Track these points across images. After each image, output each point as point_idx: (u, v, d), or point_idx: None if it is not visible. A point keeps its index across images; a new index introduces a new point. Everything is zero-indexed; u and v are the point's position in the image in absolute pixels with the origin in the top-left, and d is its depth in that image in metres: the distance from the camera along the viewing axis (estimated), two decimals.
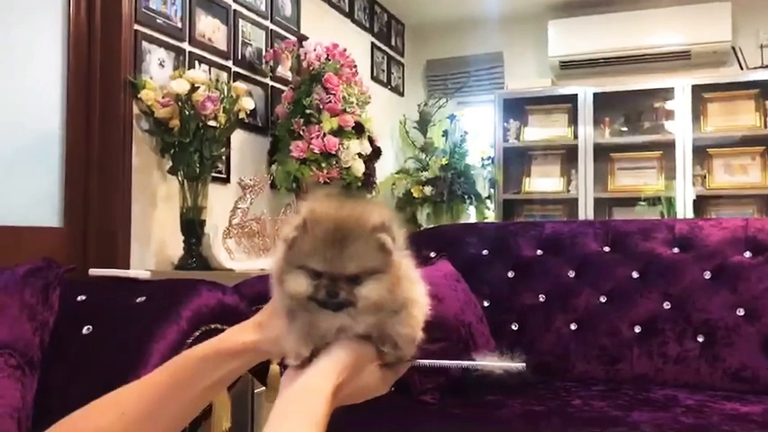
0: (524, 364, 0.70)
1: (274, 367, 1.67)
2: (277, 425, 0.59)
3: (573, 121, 4.37)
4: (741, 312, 1.97)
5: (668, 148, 4.13)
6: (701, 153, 4.12)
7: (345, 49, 3.03)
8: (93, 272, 1.86)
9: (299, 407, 0.60)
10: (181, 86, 2.27)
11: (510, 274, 2.26)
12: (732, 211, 4.04)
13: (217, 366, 0.70)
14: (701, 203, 4.06)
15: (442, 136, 4.38)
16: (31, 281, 1.25)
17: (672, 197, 4.00)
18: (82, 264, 2.16)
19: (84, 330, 1.37)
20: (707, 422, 1.59)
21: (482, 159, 4.42)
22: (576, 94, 4.27)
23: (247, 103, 2.48)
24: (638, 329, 2.07)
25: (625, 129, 4.37)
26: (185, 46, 2.61)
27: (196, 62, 2.66)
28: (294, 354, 0.63)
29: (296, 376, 0.63)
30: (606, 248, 2.21)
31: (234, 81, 2.77)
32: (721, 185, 4.10)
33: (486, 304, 2.23)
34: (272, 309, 0.70)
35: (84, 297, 1.45)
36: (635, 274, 2.13)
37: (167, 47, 2.52)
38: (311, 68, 2.94)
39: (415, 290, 0.68)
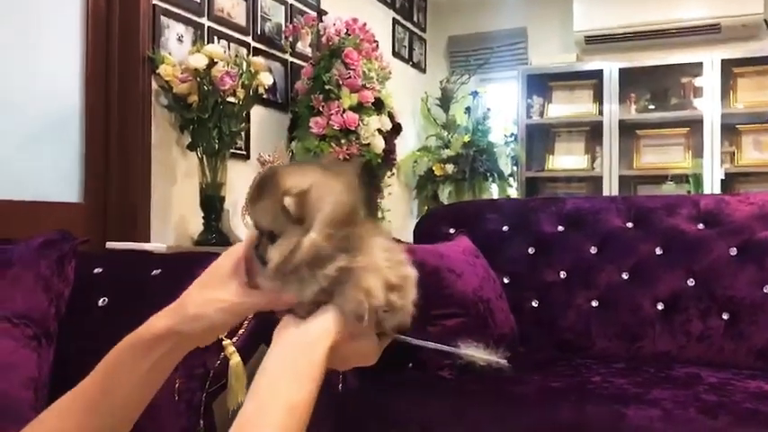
0: (506, 361, 0.67)
1: None
2: (269, 375, 0.58)
3: (598, 97, 4.29)
4: None
5: (696, 124, 4.04)
6: (730, 129, 4.03)
7: (365, 24, 3.00)
8: (110, 245, 1.87)
9: (293, 357, 0.58)
10: (199, 62, 2.26)
11: (530, 251, 2.23)
12: (762, 188, 3.95)
13: (141, 357, 0.67)
14: (729, 181, 3.97)
15: (465, 113, 4.32)
16: (45, 252, 1.25)
17: (699, 175, 3.92)
18: (102, 238, 2.17)
19: (100, 302, 1.37)
20: (729, 400, 1.55)
21: (505, 136, 4.36)
22: (602, 70, 4.19)
23: (266, 79, 2.46)
24: (660, 306, 2.03)
25: (651, 105, 4.28)
26: (204, 21, 2.60)
27: (215, 37, 2.64)
28: None
29: (293, 325, 0.61)
30: (629, 224, 2.17)
31: (253, 57, 2.75)
32: (751, 162, 4.01)
33: (506, 281, 2.20)
34: (199, 281, 0.67)
35: (100, 269, 1.45)
36: (658, 251, 2.09)
37: (186, 22, 2.51)
38: (331, 44, 2.91)
39: (364, 267, 0.63)
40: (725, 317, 1.95)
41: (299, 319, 0.62)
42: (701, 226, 2.09)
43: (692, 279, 2.02)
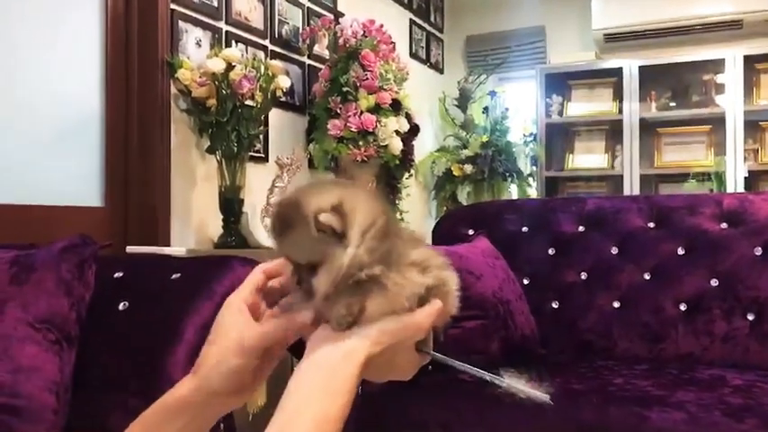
0: (549, 397, 0.64)
1: None
2: (300, 388, 0.56)
3: (618, 95, 4.25)
4: None
5: (718, 122, 3.99)
6: (753, 126, 3.97)
7: (382, 25, 2.99)
8: (131, 249, 1.88)
9: (326, 370, 0.57)
10: (217, 65, 2.27)
11: (551, 251, 2.21)
12: None
13: (167, 423, 0.63)
14: (752, 179, 3.91)
15: (483, 113, 4.30)
16: (66, 257, 1.26)
17: (722, 173, 3.87)
18: (123, 243, 2.19)
19: (121, 306, 1.38)
20: (756, 402, 1.53)
21: (524, 136, 4.33)
22: (621, 68, 4.15)
23: (283, 82, 2.47)
24: (683, 307, 2.00)
25: (672, 103, 4.23)
26: (222, 25, 2.61)
27: (233, 41, 2.65)
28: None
29: (328, 336, 0.59)
30: (651, 224, 2.15)
31: (271, 60, 2.76)
32: None
33: (526, 282, 2.19)
34: (207, 341, 0.64)
35: (120, 274, 1.46)
36: (680, 251, 2.06)
37: (204, 26, 2.53)
38: (348, 46, 2.91)
39: (403, 274, 0.61)
40: (750, 317, 1.92)
41: (334, 330, 0.59)
42: (724, 225, 2.06)
43: (715, 279, 1.99)
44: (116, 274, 1.46)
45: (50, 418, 1.18)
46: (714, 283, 1.99)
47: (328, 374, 0.56)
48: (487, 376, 0.66)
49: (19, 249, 1.31)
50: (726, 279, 1.98)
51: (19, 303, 1.19)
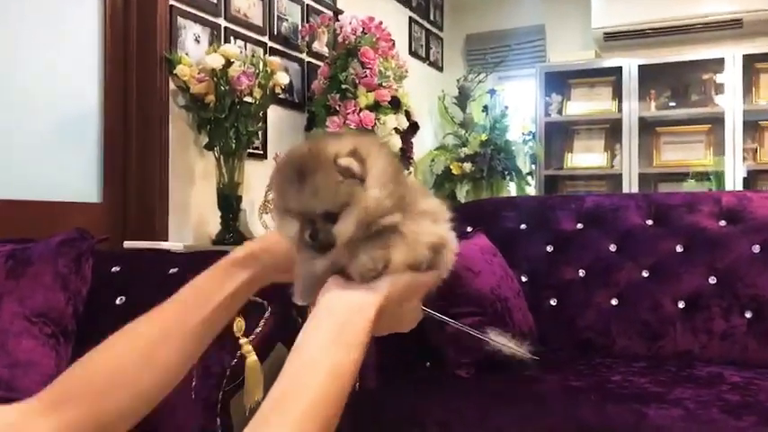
0: (531, 355, 0.67)
1: None
2: (313, 340, 0.56)
3: (617, 94, 4.25)
4: None
5: (717, 121, 3.99)
6: (752, 126, 3.97)
7: (381, 23, 2.99)
8: (128, 244, 1.88)
9: (338, 322, 0.57)
10: (215, 62, 2.27)
11: (549, 249, 2.21)
12: None
13: (227, 278, 0.70)
14: (751, 178, 3.91)
15: (482, 111, 4.30)
16: (63, 251, 1.26)
17: (721, 172, 3.87)
18: (121, 239, 2.19)
19: (118, 301, 1.38)
20: (754, 399, 1.53)
21: (523, 135, 4.32)
22: (621, 67, 4.15)
23: (282, 78, 2.46)
24: (681, 305, 2.00)
25: (672, 102, 4.23)
26: (221, 21, 2.61)
27: (232, 38, 2.65)
28: (302, 299, 0.63)
29: (341, 286, 0.60)
30: (649, 222, 2.14)
31: (270, 56, 2.75)
32: None
33: (524, 279, 2.18)
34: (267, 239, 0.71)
35: (118, 268, 1.46)
36: (679, 248, 2.06)
37: (203, 22, 2.52)
38: (347, 43, 2.91)
39: (419, 222, 0.63)
40: (748, 315, 1.92)
41: (347, 280, 0.60)
42: (722, 223, 2.06)
43: (713, 277, 1.99)
44: (113, 269, 1.46)
45: None
46: (713, 280, 1.99)
47: (341, 328, 0.56)
48: (475, 332, 0.69)
49: (16, 243, 1.31)
50: (724, 277, 1.98)
51: (15, 297, 1.19)
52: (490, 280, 1.90)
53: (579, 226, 2.22)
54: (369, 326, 0.57)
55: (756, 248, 1.97)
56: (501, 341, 0.69)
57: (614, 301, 2.08)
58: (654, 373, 1.78)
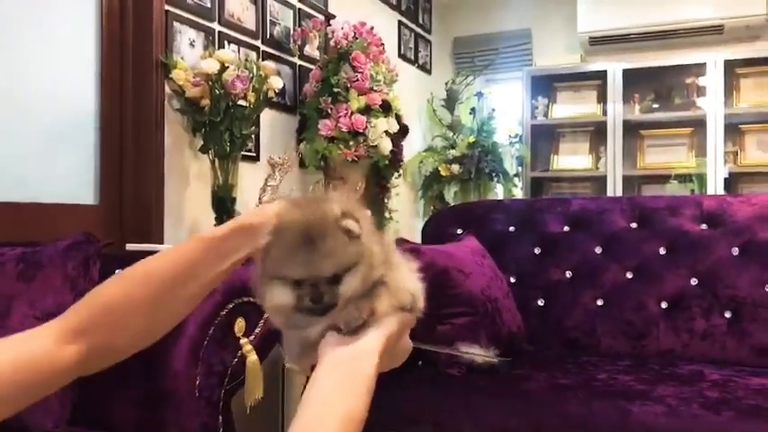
0: (497, 359, 0.75)
1: None
2: (324, 391, 0.60)
3: (602, 97, 4.33)
4: None
5: (699, 124, 4.08)
6: (734, 129, 4.06)
7: (372, 28, 3.04)
8: (131, 247, 1.92)
9: (348, 372, 0.61)
10: (211, 66, 2.30)
11: (537, 251, 2.28)
12: (765, 188, 3.98)
13: (238, 244, 0.73)
14: (732, 181, 4.01)
15: (470, 114, 4.36)
16: (72, 254, 1.30)
17: (703, 174, 3.96)
18: (118, 240, 2.22)
19: None
20: (733, 396, 1.60)
21: (510, 137, 4.40)
22: (606, 71, 4.22)
23: (276, 83, 2.50)
24: (664, 305, 2.07)
25: (655, 105, 4.31)
26: (215, 26, 2.65)
27: (225, 42, 2.69)
28: (301, 367, 0.66)
29: (340, 341, 0.64)
30: (633, 225, 2.22)
31: (263, 60, 2.79)
32: (754, 162, 4.04)
33: (512, 280, 2.25)
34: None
35: (121, 271, 1.50)
36: (662, 251, 2.14)
37: (197, 27, 2.56)
38: (338, 47, 2.96)
39: (397, 271, 0.68)
40: (727, 315, 2.00)
41: (343, 336, 0.64)
42: (704, 226, 2.13)
43: (695, 278, 2.07)
44: (117, 271, 1.50)
45: (57, 410, 1.22)
46: (694, 282, 2.06)
47: (348, 376, 0.60)
48: (447, 350, 0.78)
49: (24, 247, 1.35)
50: (705, 278, 2.05)
51: (26, 299, 1.23)
52: (480, 281, 1.96)
53: (566, 229, 2.29)
54: (373, 372, 0.62)
55: (736, 251, 2.05)
56: (469, 351, 0.77)
57: (600, 302, 2.15)
58: (638, 371, 1.85)
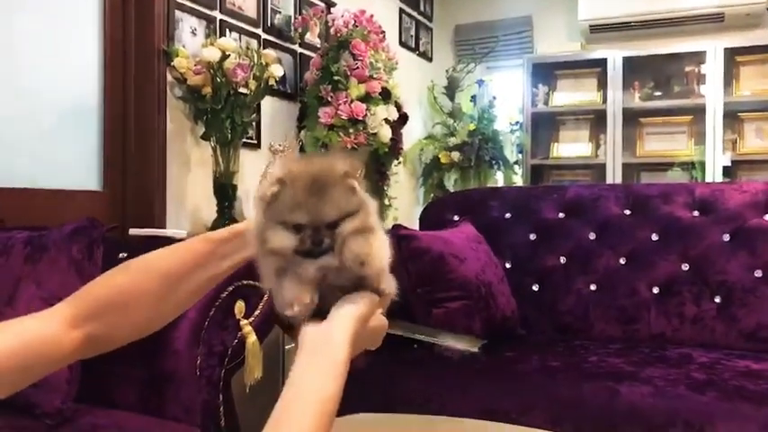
0: (477, 349, 0.77)
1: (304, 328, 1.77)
2: (301, 375, 0.65)
3: (602, 85, 4.35)
4: (759, 274, 2.01)
5: (699, 112, 4.09)
6: (733, 117, 4.08)
7: (372, 16, 3.07)
8: (133, 232, 1.96)
9: (321, 358, 0.66)
10: (212, 54, 2.34)
11: (532, 237, 2.32)
12: (764, 176, 4.00)
13: (237, 247, 0.79)
14: (731, 169, 4.03)
15: (471, 101, 4.39)
16: (77, 238, 1.35)
17: (702, 162, 3.98)
18: (120, 225, 2.27)
19: None
20: (718, 378, 1.64)
21: (510, 124, 4.42)
22: (606, 59, 4.24)
23: (276, 71, 2.54)
24: (656, 290, 2.12)
25: (655, 93, 4.33)
26: (216, 14, 2.68)
27: (227, 30, 2.72)
28: (298, 300, 0.68)
29: (314, 331, 0.69)
30: (627, 212, 2.26)
31: (263, 48, 2.83)
32: (753, 150, 4.07)
33: (508, 266, 2.29)
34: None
35: (125, 254, 1.55)
36: (654, 237, 2.17)
37: (199, 15, 2.59)
38: (339, 35, 2.99)
39: (377, 235, 0.73)
40: (717, 300, 2.04)
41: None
42: (696, 213, 2.17)
43: (686, 264, 2.11)
44: (120, 255, 1.55)
45: (64, 388, 1.27)
46: (685, 267, 2.11)
47: (322, 362, 0.66)
48: (426, 339, 0.79)
49: (31, 231, 1.40)
50: (696, 264, 2.09)
51: (33, 280, 1.28)
52: (475, 266, 2.00)
53: (561, 215, 2.33)
54: (345, 357, 0.66)
55: (726, 237, 2.09)
56: (448, 341, 0.81)
57: (593, 287, 2.19)
58: (628, 354, 1.90)
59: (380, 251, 0.72)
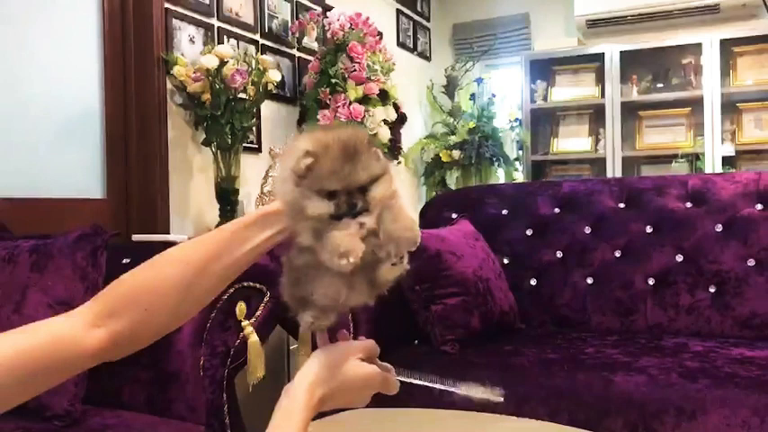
0: (502, 399, 0.78)
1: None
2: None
3: (600, 80, 4.37)
4: (752, 263, 2.04)
5: (697, 104, 4.11)
6: (731, 108, 4.10)
7: (368, 18, 3.11)
8: (136, 237, 2.01)
9: (281, 424, 0.71)
10: (210, 62, 2.39)
11: (528, 233, 2.36)
12: (763, 166, 4.02)
13: (261, 229, 0.80)
14: (733, 159, 4.05)
15: (470, 99, 4.42)
16: (81, 245, 1.39)
17: (701, 154, 4.01)
18: (125, 231, 2.32)
19: None
20: (711, 365, 1.68)
21: (510, 121, 4.46)
22: (603, 53, 4.26)
23: (274, 75, 2.58)
24: (651, 282, 2.15)
25: (653, 86, 4.35)
26: (214, 21, 2.73)
27: (225, 37, 2.77)
28: (353, 252, 0.71)
29: (284, 395, 0.74)
30: (621, 205, 2.29)
31: (262, 54, 2.87)
32: (752, 141, 4.08)
33: (506, 261, 2.33)
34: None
35: (128, 260, 1.60)
36: (648, 229, 2.21)
37: (196, 23, 2.64)
38: (336, 38, 3.03)
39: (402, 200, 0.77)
40: (711, 290, 2.07)
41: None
42: (689, 204, 2.20)
43: (680, 255, 2.14)
44: (124, 260, 1.60)
45: (72, 390, 1.31)
46: (679, 258, 2.14)
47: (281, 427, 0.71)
48: (443, 387, 0.80)
49: (37, 239, 1.44)
50: (690, 255, 2.13)
51: (39, 287, 1.33)
52: (472, 262, 2.04)
53: (556, 210, 2.36)
54: (302, 415, 0.70)
55: (719, 227, 2.12)
56: (470, 391, 0.82)
57: (589, 280, 2.23)
58: (625, 345, 1.93)
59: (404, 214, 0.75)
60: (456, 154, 4.21)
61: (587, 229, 2.28)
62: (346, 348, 0.77)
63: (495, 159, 4.26)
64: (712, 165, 3.98)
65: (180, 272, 0.77)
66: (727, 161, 3.99)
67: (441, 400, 1.05)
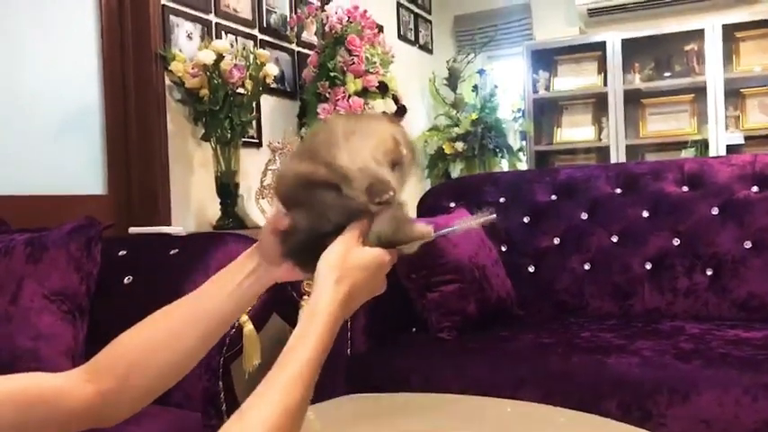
0: (494, 215, 0.82)
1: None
2: (293, 340, 0.69)
3: (602, 68, 4.36)
4: (748, 245, 2.04)
5: (700, 91, 4.10)
6: (735, 94, 4.08)
7: (366, 11, 3.12)
8: (133, 230, 2.04)
9: (306, 327, 0.69)
10: (208, 57, 2.41)
11: (526, 220, 2.37)
12: None
13: (238, 271, 0.81)
14: (735, 145, 4.02)
15: (472, 91, 4.42)
16: (75, 236, 1.42)
17: (704, 140, 3.99)
18: (127, 228, 2.35)
19: (126, 280, 1.55)
20: (705, 347, 1.68)
21: (513, 112, 4.46)
22: (605, 42, 4.25)
23: (272, 69, 2.60)
24: (648, 266, 2.15)
25: (655, 74, 4.34)
26: (211, 17, 2.75)
27: (222, 32, 2.79)
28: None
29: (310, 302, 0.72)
30: (618, 190, 2.29)
31: (260, 49, 2.89)
32: (756, 126, 4.06)
33: (504, 249, 2.34)
34: (265, 229, 0.81)
35: (124, 252, 1.63)
36: (645, 214, 2.21)
37: (194, 19, 2.66)
38: (334, 32, 3.04)
39: None
40: (708, 273, 2.07)
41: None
42: (685, 188, 2.20)
43: (677, 239, 2.14)
44: (120, 252, 1.63)
45: None
46: (676, 242, 2.14)
47: (306, 331, 0.69)
48: (444, 232, 0.83)
49: (32, 232, 1.47)
50: (687, 238, 2.13)
51: (35, 279, 1.35)
52: (468, 250, 2.05)
53: (553, 197, 2.37)
54: (324, 324, 0.69)
55: (715, 210, 2.12)
56: (465, 223, 0.86)
57: (587, 266, 2.23)
58: (621, 328, 1.94)
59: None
60: (459, 146, 4.21)
61: (584, 215, 2.29)
62: (343, 243, 0.74)
63: (498, 150, 4.26)
64: (716, 151, 3.96)
65: (165, 325, 0.80)
66: (733, 148, 3.96)
67: None
